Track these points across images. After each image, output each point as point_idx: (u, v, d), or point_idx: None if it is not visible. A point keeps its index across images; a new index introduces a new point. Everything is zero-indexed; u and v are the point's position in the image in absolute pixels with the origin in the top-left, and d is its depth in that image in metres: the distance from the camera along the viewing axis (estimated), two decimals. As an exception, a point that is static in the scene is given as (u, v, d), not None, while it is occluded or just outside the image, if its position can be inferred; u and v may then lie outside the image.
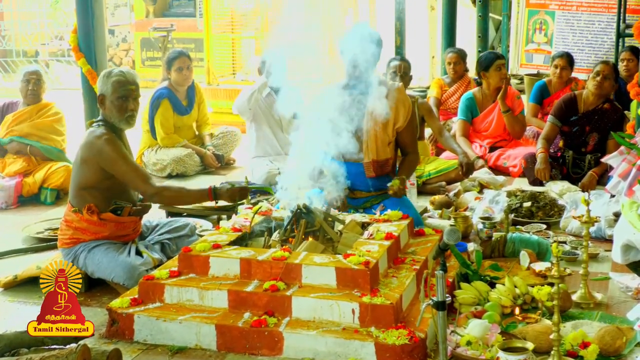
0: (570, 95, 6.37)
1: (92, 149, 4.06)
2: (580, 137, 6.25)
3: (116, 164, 4.03)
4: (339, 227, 4.09)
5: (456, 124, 7.10)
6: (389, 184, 4.60)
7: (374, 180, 4.72)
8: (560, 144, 6.37)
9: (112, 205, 4.14)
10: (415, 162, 4.90)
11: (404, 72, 6.13)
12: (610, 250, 4.17)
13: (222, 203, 4.47)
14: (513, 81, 9.29)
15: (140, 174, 4.10)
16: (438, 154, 6.91)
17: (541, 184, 6.10)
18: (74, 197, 4.16)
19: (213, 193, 4.17)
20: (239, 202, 4.42)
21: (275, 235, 4.03)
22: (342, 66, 4.57)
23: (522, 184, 6.22)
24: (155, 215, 5.02)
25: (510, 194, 5.43)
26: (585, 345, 3.20)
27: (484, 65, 6.84)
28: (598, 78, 6.14)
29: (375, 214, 4.38)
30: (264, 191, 4.99)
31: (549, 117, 6.39)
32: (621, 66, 7.62)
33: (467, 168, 5.89)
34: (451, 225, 4.75)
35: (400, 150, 4.85)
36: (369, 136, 4.61)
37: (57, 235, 4.44)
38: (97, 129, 4.13)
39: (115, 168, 4.04)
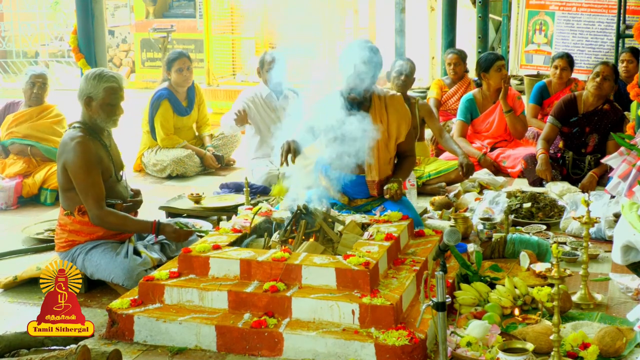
0: (570, 96, 6.36)
1: (64, 150, 4.05)
2: (580, 138, 6.25)
3: (76, 172, 3.98)
4: (338, 228, 4.09)
5: (454, 124, 7.10)
6: (385, 187, 4.58)
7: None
8: (560, 144, 6.36)
9: None
10: (413, 163, 4.87)
11: (408, 74, 6.13)
12: (610, 251, 4.17)
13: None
14: (513, 82, 9.29)
15: (94, 192, 4.00)
16: (438, 155, 6.90)
17: (541, 185, 6.10)
18: (63, 200, 4.15)
19: (157, 227, 4.14)
20: (183, 243, 4.28)
21: (275, 236, 4.03)
22: (341, 77, 4.49)
23: (522, 184, 6.22)
24: (155, 216, 5.01)
25: (510, 195, 5.43)
26: (585, 346, 3.20)
27: (484, 67, 6.84)
28: (598, 79, 6.13)
29: (375, 215, 4.38)
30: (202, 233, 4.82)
31: (549, 118, 6.38)
32: (621, 67, 7.61)
33: (467, 169, 5.90)
34: (451, 226, 4.74)
35: (397, 154, 4.81)
36: (372, 158, 4.52)
37: (56, 237, 4.44)
38: (72, 131, 4.10)
39: (74, 175, 4.00)
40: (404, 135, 4.65)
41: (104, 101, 4.09)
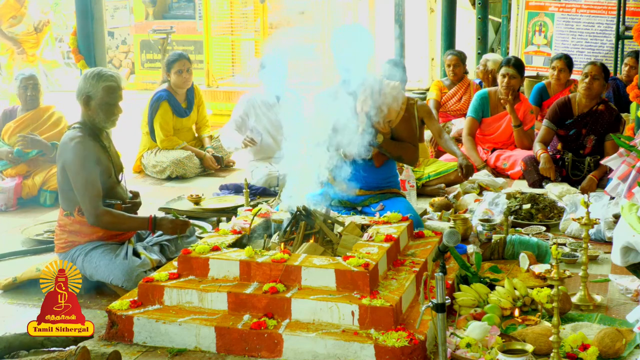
0: (564, 99, 6.36)
1: (63, 151, 4.06)
2: (578, 140, 6.25)
3: (75, 171, 3.99)
4: (338, 229, 4.09)
5: (465, 121, 7.00)
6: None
7: (374, 178, 4.70)
8: (559, 146, 6.36)
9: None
10: (409, 147, 4.72)
11: (388, 75, 6.06)
12: (609, 252, 4.17)
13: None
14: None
15: (91, 191, 4.00)
16: (438, 156, 6.89)
17: (541, 186, 6.10)
18: (63, 201, 4.15)
19: (153, 223, 4.14)
20: (180, 235, 4.29)
21: (275, 237, 4.03)
22: (335, 67, 4.53)
23: (522, 186, 6.22)
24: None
25: (509, 196, 5.43)
26: (584, 347, 3.21)
27: (498, 69, 6.84)
28: (587, 80, 6.13)
29: (374, 215, 4.38)
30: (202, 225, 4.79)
31: (544, 121, 6.36)
32: (623, 70, 7.62)
33: (467, 170, 5.89)
34: (451, 227, 4.75)
35: None
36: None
37: (56, 238, 4.44)
38: (71, 132, 4.11)
39: (72, 175, 4.00)
40: (395, 115, 4.60)
41: (102, 100, 4.09)
